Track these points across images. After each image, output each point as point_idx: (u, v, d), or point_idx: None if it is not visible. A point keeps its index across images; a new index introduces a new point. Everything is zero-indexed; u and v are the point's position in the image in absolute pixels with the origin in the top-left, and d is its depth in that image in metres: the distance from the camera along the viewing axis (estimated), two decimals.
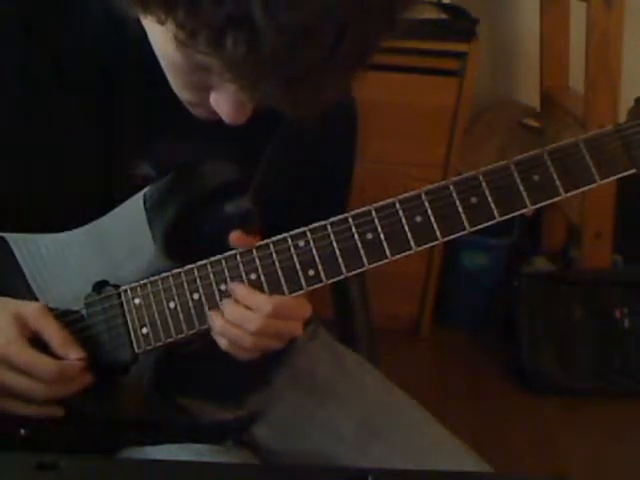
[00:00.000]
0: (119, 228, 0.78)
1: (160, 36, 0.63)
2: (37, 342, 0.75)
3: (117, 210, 0.78)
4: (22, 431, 0.78)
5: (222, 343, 0.76)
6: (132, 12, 0.61)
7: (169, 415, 0.82)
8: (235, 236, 0.75)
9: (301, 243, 0.74)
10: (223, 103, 0.66)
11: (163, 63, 0.68)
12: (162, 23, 0.58)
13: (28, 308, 0.76)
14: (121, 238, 0.78)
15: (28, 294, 0.79)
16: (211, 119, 0.70)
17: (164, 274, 0.76)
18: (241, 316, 0.74)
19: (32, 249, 0.79)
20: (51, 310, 0.77)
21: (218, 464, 0.78)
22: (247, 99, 0.64)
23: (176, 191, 0.78)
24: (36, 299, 0.80)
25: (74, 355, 0.75)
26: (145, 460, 0.77)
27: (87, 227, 0.79)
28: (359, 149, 0.96)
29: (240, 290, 0.75)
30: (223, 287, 0.75)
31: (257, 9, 0.53)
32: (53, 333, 0.75)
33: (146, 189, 0.77)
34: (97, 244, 0.79)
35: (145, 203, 0.77)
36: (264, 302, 0.74)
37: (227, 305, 0.75)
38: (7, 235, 0.79)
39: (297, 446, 0.95)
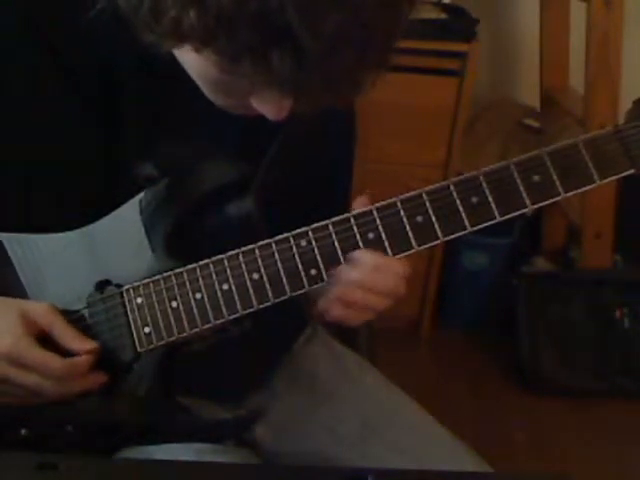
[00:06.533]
0: (115, 234, 0.78)
1: (196, 60, 0.63)
2: (42, 340, 0.75)
3: (114, 214, 0.78)
4: (22, 431, 0.78)
5: (336, 309, 0.77)
6: (165, 46, 0.61)
7: (169, 415, 0.82)
8: (357, 199, 0.75)
9: (303, 242, 0.74)
10: (267, 105, 0.67)
11: (199, 81, 0.68)
12: (199, 52, 0.60)
13: (36, 307, 0.76)
14: (117, 245, 0.78)
15: (21, 294, 0.79)
16: (248, 115, 0.70)
17: (166, 273, 0.76)
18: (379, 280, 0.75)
19: (26, 249, 0.79)
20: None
21: (218, 464, 0.78)
22: (290, 101, 0.65)
23: (172, 197, 0.77)
24: (29, 299, 0.79)
25: (89, 346, 0.75)
26: (145, 460, 0.77)
27: (83, 230, 0.78)
28: (357, 147, 0.96)
29: (369, 258, 0.74)
30: (225, 286, 0.75)
31: (295, 21, 0.55)
32: (64, 329, 0.75)
33: (141, 195, 0.77)
34: (93, 248, 0.78)
35: (141, 213, 0.77)
36: (397, 263, 0.75)
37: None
38: (1, 235, 0.79)
39: (297, 446, 0.95)
